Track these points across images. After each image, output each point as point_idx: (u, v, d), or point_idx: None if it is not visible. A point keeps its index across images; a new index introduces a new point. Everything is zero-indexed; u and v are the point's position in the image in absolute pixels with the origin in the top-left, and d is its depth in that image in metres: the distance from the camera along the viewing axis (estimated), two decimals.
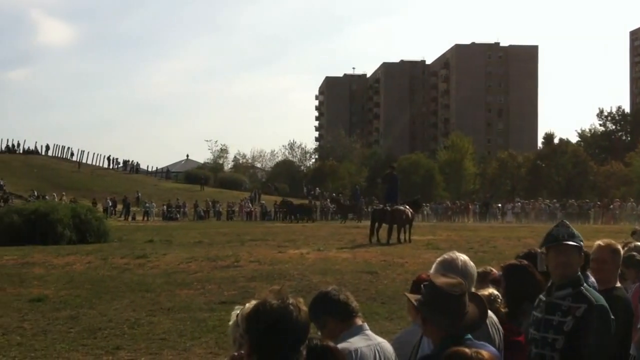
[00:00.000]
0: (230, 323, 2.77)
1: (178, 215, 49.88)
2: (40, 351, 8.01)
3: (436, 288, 2.84)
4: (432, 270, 3.56)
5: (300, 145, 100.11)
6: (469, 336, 2.85)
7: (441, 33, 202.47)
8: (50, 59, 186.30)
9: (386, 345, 3.45)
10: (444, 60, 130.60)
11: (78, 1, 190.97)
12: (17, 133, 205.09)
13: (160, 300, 11.42)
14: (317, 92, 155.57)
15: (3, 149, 77.56)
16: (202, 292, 12.17)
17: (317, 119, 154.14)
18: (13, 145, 78.60)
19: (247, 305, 2.65)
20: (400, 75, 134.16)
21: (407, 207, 24.25)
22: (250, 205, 53.89)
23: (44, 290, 12.50)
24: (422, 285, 3.01)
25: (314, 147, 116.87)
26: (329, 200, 52.70)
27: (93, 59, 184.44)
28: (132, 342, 8.40)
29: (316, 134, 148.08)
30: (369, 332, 3.46)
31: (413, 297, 3.03)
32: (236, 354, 2.49)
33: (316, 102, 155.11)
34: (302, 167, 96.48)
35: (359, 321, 3.45)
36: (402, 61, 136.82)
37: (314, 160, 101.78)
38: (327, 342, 2.69)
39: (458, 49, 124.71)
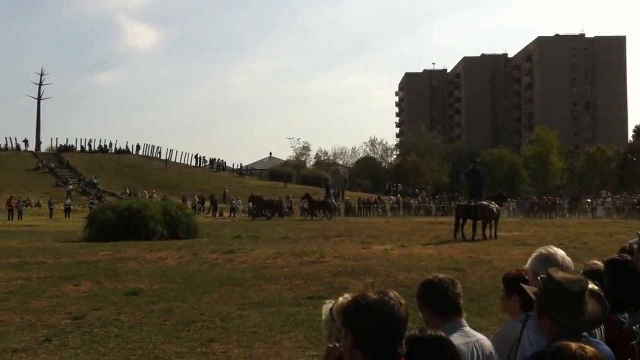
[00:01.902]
0: (324, 318, 2.83)
1: (264, 212, 50.57)
2: (137, 343, 8.27)
3: (555, 283, 2.77)
4: (528, 266, 3.51)
5: (381, 142, 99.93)
6: (585, 334, 2.78)
7: (523, 25, 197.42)
8: (137, 62, 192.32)
9: (486, 342, 3.38)
10: (527, 54, 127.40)
11: (163, 6, 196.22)
12: (110, 134, 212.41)
13: (249, 294, 11.68)
14: (397, 89, 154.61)
15: (97, 149, 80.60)
16: (289, 287, 12.37)
17: (397, 115, 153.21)
18: (106, 146, 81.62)
19: (340, 299, 2.71)
20: (482, 70, 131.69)
21: (493, 203, 23.91)
22: (335, 201, 54.10)
23: (139, 285, 12.94)
24: (539, 279, 2.95)
25: (395, 143, 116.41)
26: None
27: (178, 62, 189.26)
28: (224, 335, 8.63)
29: (397, 130, 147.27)
30: (467, 328, 3.39)
31: (531, 290, 2.95)
32: (331, 345, 2.54)
33: (396, 99, 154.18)
34: (384, 164, 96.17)
35: (459, 317, 3.38)
36: (483, 55, 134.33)
37: (395, 156, 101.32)
38: (440, 333, 2.69)
39: (541, 42, 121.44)
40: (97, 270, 15.34)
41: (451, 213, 41.43)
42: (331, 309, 2.74)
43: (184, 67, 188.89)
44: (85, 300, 11.44)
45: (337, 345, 2.47)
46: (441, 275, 3.50)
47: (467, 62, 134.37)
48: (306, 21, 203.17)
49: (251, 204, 46.83)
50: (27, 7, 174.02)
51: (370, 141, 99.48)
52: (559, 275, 2.83)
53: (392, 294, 2.38)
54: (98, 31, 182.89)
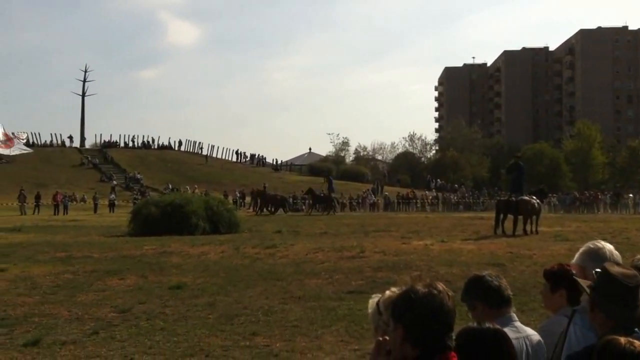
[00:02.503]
0: (370, 311, 2.88)
1: (303, 207, 50.85)
2: (182, 336, 8.43)
3: (611, 277, 2.76)
4: (575, 260, 3.50)
5: (420, 136, 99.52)
6: (637, 329, 2.74)
7: (565, 18, 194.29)
8: (178, 58, 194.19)
9: (535, 337, 3.38)
10: (568, 46, 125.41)
11: (203, 2, 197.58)
12: (152, 130, 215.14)
13: (291, 288, 11.81)
14: (436, 83, 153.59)
15: (139, 145, 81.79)
16: (330, 282, 12.47)
17: (436, 110, 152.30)
18: (148, 142, 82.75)
19: (387, 293, 2.76)
20: (522, 63, 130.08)
21: (534, 197, 23.68)
22: (373, 196, 54.16)
23: (183, 278, 13.14)
24: (594, 272, 2.94)
25: (434, 138, 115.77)
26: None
27: (218, 57, 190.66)
28: (267, 328, 8.77)
29: (436, 125, 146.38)
30: (518, 323, 3.40)
31: (585, 283, 2.95)
32: (380, 339, 2.59)
33: (435, 93, 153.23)
34: (423, 159, 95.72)
35: (509, 311, 3.39)
36: (523, 48, 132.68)
37: (434, 151, 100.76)
38: (498, 326, 2.70)
39: (583, 34, 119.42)
40: (141, 264, 15.63)
41: (491, 208, 41.07)
42: (378, 303, 2.80)
43: (223, 63, 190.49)
44: (130, 293, 11.69)
45: (387, 338, 2.52)
46: (485, 271, 3.56)
47: (507, 55, 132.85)
48: (343, 16, 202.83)
49: (258, 199, 46.89)
50: (71, 5, 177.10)
51: (409, 136, 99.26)
52: (615, 269, 2.83)
53: (440, 286, 2.43)
54: (140, 28, 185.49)
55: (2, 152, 68.37)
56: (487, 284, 3.39)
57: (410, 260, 15.09)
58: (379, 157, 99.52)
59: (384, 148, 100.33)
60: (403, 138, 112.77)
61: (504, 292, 3.41)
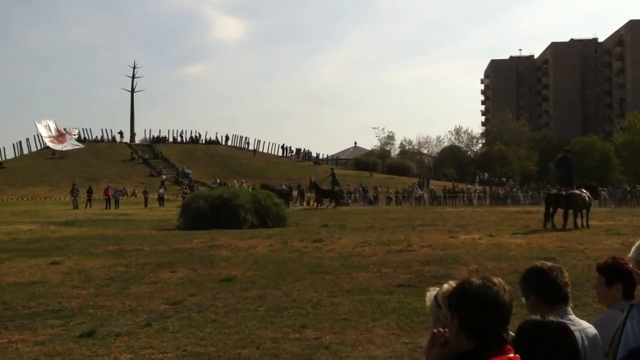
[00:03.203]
0: (429, 304, 2.89)
1: (349, 201, 50.92)
2: (233, 328, 8.53)
3: None
4: (631, 254, 3.44)
5: (466, 130, 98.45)
6: None
7: (614, 8, 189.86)
8: (224, 53, 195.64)
9: (591, 330, 3.32)
10: (617, 37, 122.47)
11: None
12: (199, 125, 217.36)
13: (339, 282, 11.85)
14: (482, 76, 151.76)
15: (188, 140, 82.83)
16: (378, 275, 12.47)
17: (483, 103, 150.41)
18: (196, 137, 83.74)
19: (445, 286, 2.77)
20: (571, 55, 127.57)
21: (584, 191, 23.29)
22: (419, 190, 53.92)
23: (232, 271, 13.30)
24: None
25: (480, 131, 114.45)
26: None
27: (263, 53, 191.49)
28: (316, 321, 8.82)
29: (482, 118, 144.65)
30: (573, 316, 3.33)
31: None
32: (435, 331, 2.60)
33: (482, 86, 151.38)
34: (469, 152, 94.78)
35: (566, 305, 3.33)
36: (572, 40, 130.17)
37: (480, 145, 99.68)
38: (561, 320, 2.68)
39: (632, 25, 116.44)
40: (191, 257, 15.86)
41: (540, 202, 40.50)
42: (436, 296, 2.81)
43: (269, 58, 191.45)
44: (181, 286, 11.88)
45: (442, 330, 2.53)
46: (549, 263, 3.49)
47: (555, 47, 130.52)
48: (387, 9, 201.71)
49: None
50: (120, 2, 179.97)
51: (454, 130, 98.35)
52: None
53: (497, 279, 2.42)
54: (186, 24, 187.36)
55: (55, 148, 70.12)
56: (545, 275, 3.34)
57: (458, 255, 15.01)
58: (425, 151, 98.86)
59: (430, 142, 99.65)
60: (449, 132, 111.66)
61: (562, 286, 3.35)
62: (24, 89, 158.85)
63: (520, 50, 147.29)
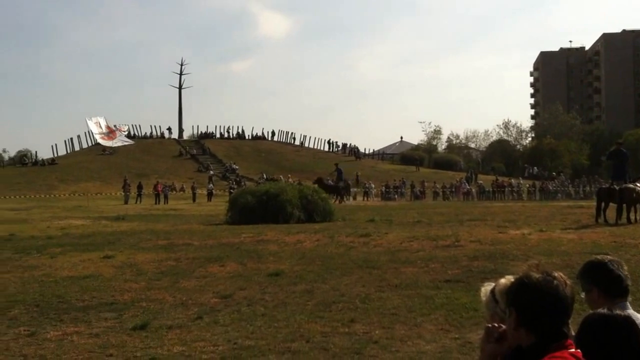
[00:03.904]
0: (484, 299, 2.87)
1: (396, 196, 50.78)
2: (282, 321, 8.60)
3: None
4: None
5: (515, 124, 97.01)
6: None
7: None
8: (270, 49, 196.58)
9: None
10: None
11: None
12: (246, 120, 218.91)
13: (387, 277, 11.84)
14: (531, 69, 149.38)
15: (234, 135, 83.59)
16: (426, 270, 12.41)
17: (532, 96, 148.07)
18: (243, 132, 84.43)
19: (502, 280, 2.75)
20: (623, 46, 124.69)
21: (638, 185, 22.78)
22: (467, 185, 53.45)
23: (280, 266, 13.39)
24: None
25: (529, 125, 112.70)
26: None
27: (308, 48, 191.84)
28: (364, 315, 8.84)
29: (532, 111, 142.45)
30: (631, 310, 3.25)
31: None
32: (490, 325, 2.58)
33: (531, 79, 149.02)
34: (518, 146, 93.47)
35: (624, 299, 3.28)
36: (624, 31, 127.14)
37: (530, 138, 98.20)
38: (628, 313, 2.65)
39: None
40: (240, 251, 16.01)
41: (591, 196, 39.74)
42: (492, 290, 2.79)
43: (314, 52, 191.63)
44: (230, 280, 12.01)
45: (496, 325, 2.51)
46: (608, 256, 3.45)
47: (606, 38, 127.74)
48: (433, 2, 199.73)
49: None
50: (166, 1, 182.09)
51: (503, 123, 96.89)
52: None
53: (557, 273, 2.40)
54: (232, 21, 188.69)
55: (105, 144, 71.47)
56: (606, 269, 3.30)
57: (507, 250, 14.83)
58: (472, 145, 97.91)
59: (477, 136, 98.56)
60: (497, 125, 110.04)
61: (623, 280, 3.30)
62: (75, 87, 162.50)
63: (570, 41, 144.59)
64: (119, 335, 8.10)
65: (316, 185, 37.63)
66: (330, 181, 46.06)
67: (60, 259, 15.31)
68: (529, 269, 2.44)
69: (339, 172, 49.18)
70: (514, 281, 2.50)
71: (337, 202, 42.35)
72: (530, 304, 2.36)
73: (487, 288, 2.85)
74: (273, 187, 28.54)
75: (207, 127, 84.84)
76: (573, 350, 2.35)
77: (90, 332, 8.26)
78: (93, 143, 73.81)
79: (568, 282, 2.40)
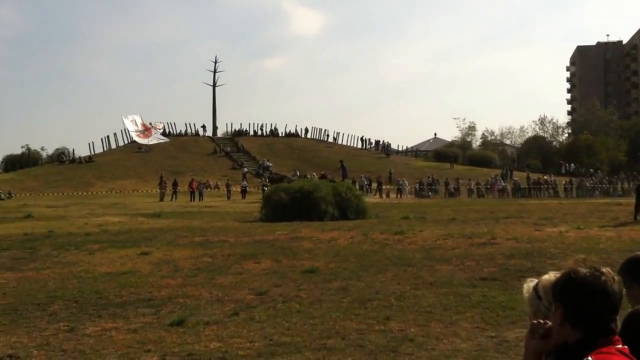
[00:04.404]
0: (526, 295, 2.85)
1: (430, 193, 50.51)
2: (317, 318, 8.63)
3: None
4: None
5: (551, 119, 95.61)
6: None
7: None
8: (302, 46, 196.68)
9: None
10: None
11: None
12: (279, 117, 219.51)
13: (422, 274, 11.81)
14: (568, 63, 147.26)
15: (268, 133, 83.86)
16: (461, 268, 12.36)
17: (568, 91, 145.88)
18: (276, 129, 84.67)
19: (545, 276, 2.73)
20: None
21: None
22: (502, 182, 52.93)
23: (314, 263, 13.45)
24: None
25: (566, 121, 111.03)
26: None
27: (341, 44, 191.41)
28: (400, 313, 8.82)
29: (568, 107, 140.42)
30: None
31: None
32: (535, 322, 2.56)
33: (567, 74, 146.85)
34: (554, 143, 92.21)
35: None
36: None
37: (566, 135, 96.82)
38: None
39: None
40: (274, 248, 16.12)
41: (629, 193, 39.13)
42: (535, 287, 2.77)
43: (347, 49, 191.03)
44: (266, 276, 12.10)
45: (542, 321, 2.49)
46: None
47: None
48: None
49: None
50: None
51: (539, 119, 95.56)
52: None
53: (605, 269, 2.36)
54: (265, 18, 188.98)
55: (141, 142, 72.18)
56: None
57: (545, 248, 14.71)
58: (508, 142, 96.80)
59: (513, 132, 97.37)
60: (533, 121, 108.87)
61: None
62: (112, 85, 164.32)
63: (607, 35, 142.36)
64: (157, 330, 8.20)
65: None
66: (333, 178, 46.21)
67: (98, 256, 15.56)
68: (575, 264, 2.41)
69: (343, 169, 49.03)
70: (560, 276, 2.47)
71: None
72: (577, 300, 2.32)
73: (529, 284, 2.82)
74: (306, 184, 28.60)
75: (241, 124, 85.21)
76: (620, 346, 2.31)
77: (128, 328, 8.37)
78: (129, 141, 74.59)
79: (616, 277, 2.36)
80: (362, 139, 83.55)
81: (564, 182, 53.12)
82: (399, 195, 49.95)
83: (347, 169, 51.75)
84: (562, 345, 2.39)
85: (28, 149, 76.52)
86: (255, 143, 77.30)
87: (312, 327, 8.21)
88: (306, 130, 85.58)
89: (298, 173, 53.49)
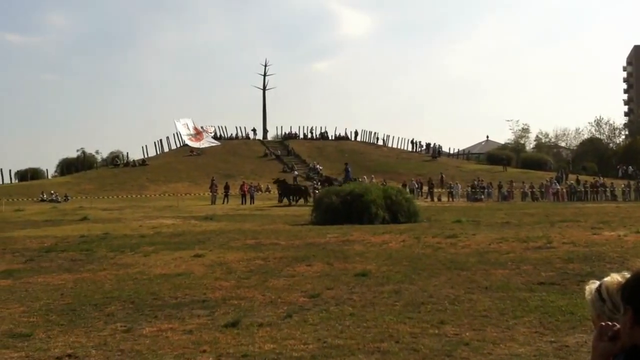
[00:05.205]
0: (589, 298, 2.78)
1: (482, 196, 49.90)
2: (371, 321, 8.57)
3: None
4: None
5: (607, 121, 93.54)
6: None
7: None
8: (351, 48, 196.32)
9: None
10: None
11: None
12: (329, 120, 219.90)
13: (476, 278, 11.65)
14: (624, 63, 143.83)
15: (317, 136, 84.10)
16: (517, 272, 12.15)
17: (625, 92, 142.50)
18: (326, 132, 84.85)
19: (608, 278, 2.65)
20: None
21: None
22: (557, 185, 51.98)
23: (367, 266, 13.39)
24: None
25: (623, 122, 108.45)
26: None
27: (390, 46, 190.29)
28: (454, 317, 8.71)
29: (625, 108, 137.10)
30: None
31: None
32: (604, 324, 2.48)
33: (624, 74, 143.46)
34: (611, 145, 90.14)
35: None
36: None
37: (624, 136, 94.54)
38: None
39: None
40: (326, 251, 16.10)
41: None
42: (598, 289, 2.69)
43: (396, 52, 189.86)
44: (318, 279, 12.09)
45: (610, 323, 2.42)
46: None
47: None
48: None
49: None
50: (250, 2, 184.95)
51: (595, 121, 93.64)
52: None
53: None
54: (314, 20, 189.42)
55: (193, 145, 73.18)
56: None
57: (603, 252, 14.37)
58: (562, 144, 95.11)
59: (568, 134, 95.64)
60: (588, 123, 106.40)
61: None
62: (164, 89, 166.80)
63: None
64: (212, 332, 8.25)
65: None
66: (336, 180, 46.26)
67: (153, 257, 15.79)
68: None
69: (347, 172, 48.78)
70: (629, 278, 2.39)
71: None
72: None
73: (591, 286, 2.75)
74: (357, 187, 28.57)
75: (291, 127, 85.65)
76: None
77: (183, 329, 8.45)
78: (181, 144, 75.72)
79: None
80: (412, 141, 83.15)
81: (622, 185, 51.89)
82: (450, 199, 49.50)
83: (350, 172, 51.40)
84: (631, 347, 2.32)
85: (83, 152, 78.43)
86: (305, 146, 77.62)
87: (366, 330, 8.16)
88: (356, 133, 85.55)
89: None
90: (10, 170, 67.58)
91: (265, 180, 59.38)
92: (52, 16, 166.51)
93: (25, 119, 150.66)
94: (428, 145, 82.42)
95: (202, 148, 72.99)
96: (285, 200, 44.58)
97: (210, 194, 48.93)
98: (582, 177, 57.27)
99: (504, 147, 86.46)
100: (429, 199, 48.59)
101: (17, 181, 66.30)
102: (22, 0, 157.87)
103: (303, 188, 46.57)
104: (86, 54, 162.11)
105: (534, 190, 50.86)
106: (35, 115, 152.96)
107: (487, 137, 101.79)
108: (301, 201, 44.03)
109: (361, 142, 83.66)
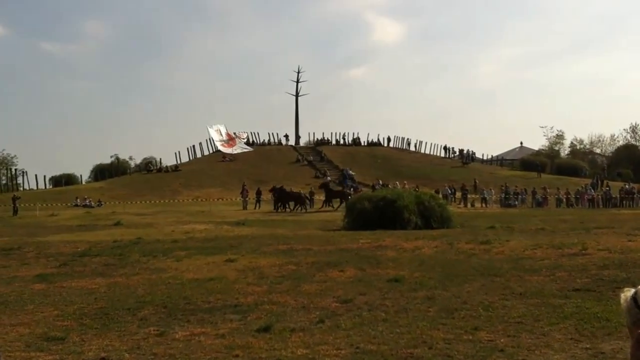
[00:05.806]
0: (624, 305, 2.74)
1: (516, 202, 49.39)
2: (404, 327, 8.51)
3: None
4: None
5: None
6: None
7: None
8: (384, 55, 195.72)
9: None
10: None
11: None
12: (361, 127, 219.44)
13: (510, 285, 11.52)
14: None
15: (350, 142, 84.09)
16: (552, 279, 11.99)
17: None
18: (358, 138, 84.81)
19: None
20: None
21: None
22: (593, 191, 51.25)
23: (399, 272, 13.32)
24: None
25: None
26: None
27: (423, 53, 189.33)
28: (488, 323, 8.61)
29: None
30: None
31: None
32: None
33: None
34: None
35: None
36: None
37: None
38: None
39: None
40: (358, 257, 16.07)
41: None
42: (634, 297, 2.65)
43: (429, 58, 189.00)
44: (350, 285, 12.06)
45: None
46: None
47: None
48: (553, 2, 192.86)
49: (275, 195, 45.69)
50: (283, 10, 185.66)
51: (630, 127, 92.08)
52: None
53: None
54: (347, 28, 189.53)
55: (225, 151, 73.68)
56: None
57: (638, 258, 14.14)
58: (597, 150, 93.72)
59: (603, 140, 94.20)
60: (624, 129, 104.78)
61: None
62: (197, 96, 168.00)
63: None
64: (244, 336, 8.27)
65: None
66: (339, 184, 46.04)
67: (186, 262, 15.89)
68: None
69: (343, 176, 48.46)
70: None
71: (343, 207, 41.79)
72: None
73: (627, 294, 2.70)
74: (389, 193, 28.49)
75: (323, 133, 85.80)
76: None
77: (216, 333, 8.48)
78: (214, 150, 76.23)
79: None
80: (445, 147, 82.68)
81: None
82: (483, 205, 49.08)
83: (353, 177, 51.02)
84: None
85: (117, 158, 79.42)
86: (337, 152, 77.65)
87: (399, 335, 8.10)
88: (388, 139, 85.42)
89: (381, 182, 53.25)
90: (45, 176, 68.82)
91: (297, 186, 59.44)
92: (89, 23, 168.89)
93: (61, 125, 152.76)
94: (461, 151, 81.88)
95: (234, 154, 73.40)
96: (280, 208, 44.31)
97: (241, 199, 49.11)
98: (617, 183, 56.41)
99: (538, 153, 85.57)
100: (462, 205, 48.21)
101: (51, 187, 67.36)
102: (58, 9, 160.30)
103: (303, 195, 46.42)
104: (119, 61, 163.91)
105: (569, 196, 50.21)
106: (70, 122, 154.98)
107: (521, 143, 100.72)
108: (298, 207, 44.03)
109: (394, 148, 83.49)
